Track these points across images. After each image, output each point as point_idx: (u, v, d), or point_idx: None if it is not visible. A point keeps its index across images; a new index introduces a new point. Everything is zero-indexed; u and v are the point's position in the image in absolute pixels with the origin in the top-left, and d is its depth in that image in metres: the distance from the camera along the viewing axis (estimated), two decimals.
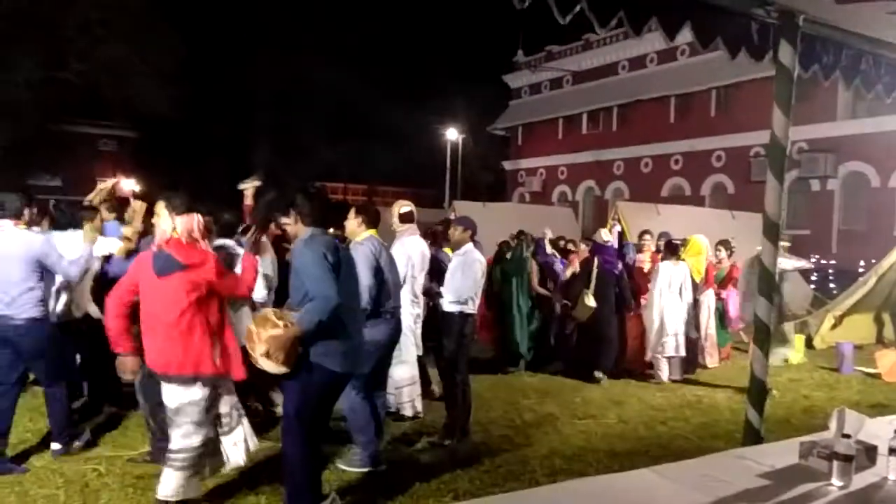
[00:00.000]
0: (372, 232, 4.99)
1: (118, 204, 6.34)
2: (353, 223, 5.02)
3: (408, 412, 5.88)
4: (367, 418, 4.66)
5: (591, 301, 7.69)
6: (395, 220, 5.93)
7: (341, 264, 3.70)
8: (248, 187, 6.48)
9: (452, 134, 32.28)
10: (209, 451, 3.86)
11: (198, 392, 3.70)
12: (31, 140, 24.05)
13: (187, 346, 3.65)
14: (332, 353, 3.63)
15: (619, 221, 11.53)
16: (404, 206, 5.99)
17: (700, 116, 23.90)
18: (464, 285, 5.48)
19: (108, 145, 37.06)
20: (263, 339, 3.45)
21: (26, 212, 4.75)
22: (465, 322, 5.54)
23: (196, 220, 3.80)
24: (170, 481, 3.69)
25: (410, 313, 5.80)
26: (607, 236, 8.25)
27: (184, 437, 3.72)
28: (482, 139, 33.60)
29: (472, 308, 5.63)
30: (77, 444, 4.92)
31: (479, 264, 5.70)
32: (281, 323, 3.48)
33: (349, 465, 4.66)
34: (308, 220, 3.74)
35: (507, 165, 32.37)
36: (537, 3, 3.06)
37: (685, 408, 6.84)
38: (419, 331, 6.06)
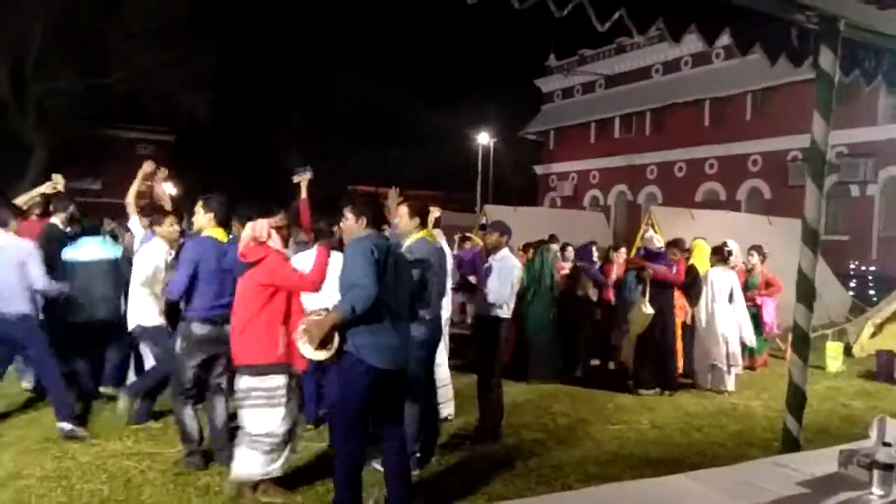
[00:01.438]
0: (424, 233, 4.84)
1: (154, 208, 6.44)
2: (407, 223, 4.80)
3: (442, 413, 5.92)
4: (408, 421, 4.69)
5: (648, 308, 7.48)
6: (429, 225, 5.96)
7: (390, 264, 3.78)
8: (303, 179, 6.16)
9: (484, 138, 32.31)
10: (287, 439, 4.15)
11: (271, 381, 4.02)
12: (74, 145, 24.69)
13: (259, 338, 4.00)
14: (374, 348, 3.70)
15: (652, 226, 11.45)
16: (435, 212, 6.02)
17: (736, 120, 23.55)
18: (501, 290, 5.52)
19: (146, 149, 37.83)
20: (304, 323, 3.71)
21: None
22: (500, 326, 5.58)
23: (258, 226, 4.10)
24: (252, 463, 4.01)
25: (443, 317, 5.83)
26: (660, 242, 8.16)
27: (263, 423, 4.02)
28: (514, 143, 33.57)
29: (507, 313, 5.66)
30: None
31: (516, 270, 5.75)
32: (324, 313, 3.71)
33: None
34: (365, 222, 3.87)
35: (539, 170, 32.26)
36: (574, 8, 3.09)
37: (721, 415, 6.77)
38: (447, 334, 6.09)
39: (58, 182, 6.51)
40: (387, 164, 35.76)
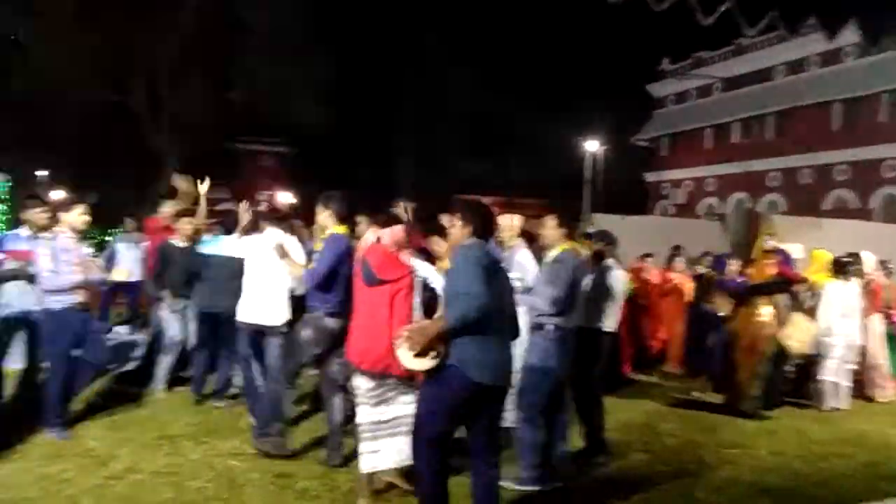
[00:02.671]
0: (570, 244, 4.73)
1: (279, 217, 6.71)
2: (553, 233, 4.73)
3: (507, 421, 5.77)
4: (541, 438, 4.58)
5: (808, 324, 7.04)
6: (512, 232, 5.83)
7: (498, 275, 3.69)
8: (409, 208, 6.28)
9: (592, 145, 31.66)
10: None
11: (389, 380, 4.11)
12: (203, 156, 26.42)
13: (381, 345, 4.04)
14: (473, 361, 3.53)
15: (774, 237, 10.74)
16: (518, 220, 5.89)
17: (869, 122, 21.84)
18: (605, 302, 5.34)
19: (268, 161, 39.99)
20: (407, 330, 3.64)
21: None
22: (604, 340, 5.38)
23: (396, 234, 4.19)
24: (381, 454, 4.13)
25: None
26: (799, 253, 7.69)
27: (380, 413, 4.15)
28: (623, 150, 32.66)
29: (611, 326, 5.45)
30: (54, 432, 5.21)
31: (619, 281, 5.53)
32: (427, 322, 3.67)
33: (515, 484, 4.56)
34: (471, 230, 3.75)
35: (650, 177, 31.26)
36: (681, 8, 2.90)
37: (849, 443, 6.19)
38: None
39: (198, 187, 7.05)
40: (494, 172, 35.81)
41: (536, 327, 4.68)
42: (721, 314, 7.95)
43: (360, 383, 4.22)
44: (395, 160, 35.21)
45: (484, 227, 3.79)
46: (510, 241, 5.68)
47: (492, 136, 36.64)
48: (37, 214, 5.63)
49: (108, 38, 21.87)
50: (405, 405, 4.17)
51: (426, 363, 3.57)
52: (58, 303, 5.16)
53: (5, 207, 17.27)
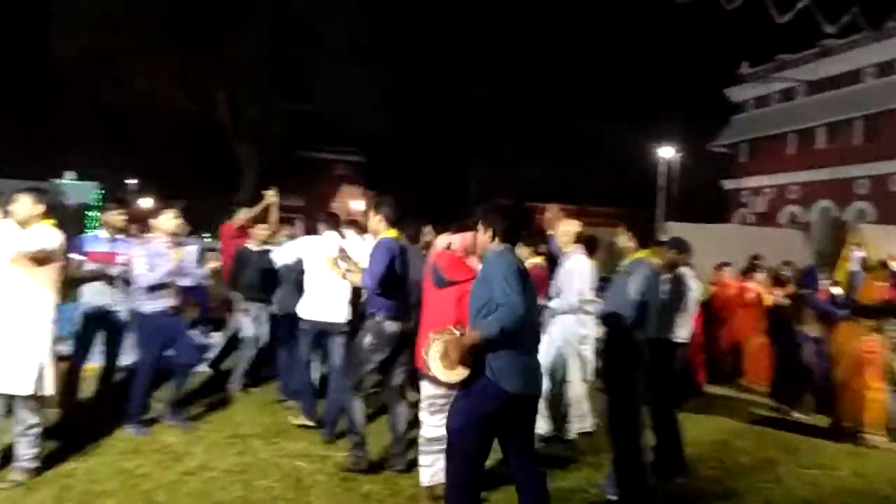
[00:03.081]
0: (644, 253, 4.60)
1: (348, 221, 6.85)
2: (626, 242, 4.63)
3: (570, 432, 5.66)
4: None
5: None
6: (567, 238, 5.74)
7: (526, 283, 3.61)
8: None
9: (667, 152, 30.85)
10: None
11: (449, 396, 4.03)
12: (280, 164, 27.28)
13: None
14: (508, 372, 3.48)
15: (862, 247, 10.20)
16: (576, 226, 5.82)
17: None
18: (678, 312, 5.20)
19: (341, 169, 40.85)
20: (440, 342, 3.56)
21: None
22: (675, 352, 5.22)
23: (468, 241, 4.19)
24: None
25: (577, 334, 5.59)
26: None
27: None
28: (699, 157, 31.70)
29: (684, 336, 5.30)
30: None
31: (693, 290, 5.39)
32: (457, 332, 3.58)
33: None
34: (492, 234, 3.68)
35: (728, 184, 30.17)
36: (757, 7, 2.79)
37: None
38: (590, 354, 5.77)
39: (270, 194, 7.27)
40: (565, 180, 35.40)
41: (609, 340, 4.58)
42: (815, 336, 7.48)
43: (426, 389, 4.25)
44: (466, 168, 35.31)
45: (510, 230, 3.68)
46: (566, 246, 5.68)
47: (563, 142, 36.28)
48: (114, 216, 5.90)
49: (192, 51, 22.90)
50: None
51: (458, 375, 3.52)
52: (151, 306, 5.38)
53: (96, 213, 18.32)
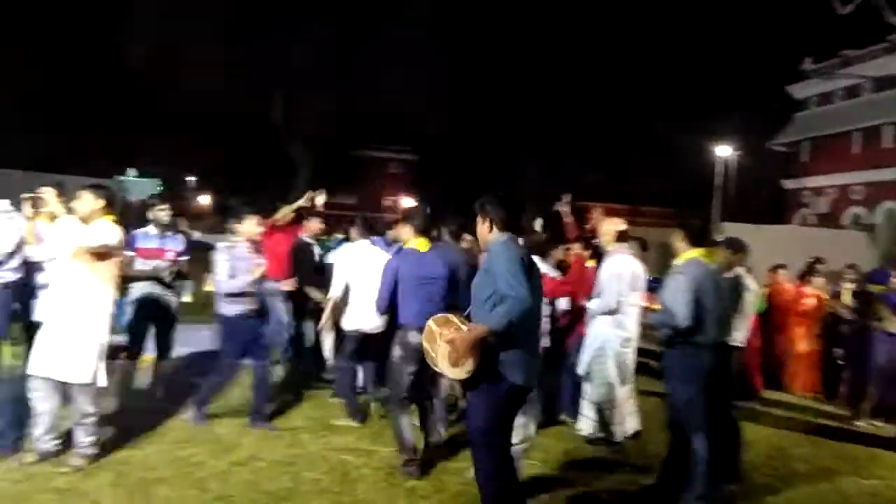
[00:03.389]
0: (698, 253, 4.48)
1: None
2: (680, 242, 4.55)
3: (616, 435, 5.57)
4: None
5: None
6: (609, 237, 5.64)
7: (531, 273, 3.58)
8: (563, 204, 7.10)
9: (724, 150, 30.06)
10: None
11: None
12: (334, 163, 27.71)
13: None
14: (517, 364, 3.49)
15: None
16: (621, 225, 5.71)
17: None
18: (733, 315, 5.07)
19: (394, 167, 41.24)
20: (447, 338, 3.50)
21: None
22: (730, 355, 5.09)
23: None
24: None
25: (616, 336, 5.48)
26: None
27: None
28: (758, 156, 30.76)
29: (740, 340, 5.16)
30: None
31: (749, 293, 5.25)
32: (464, 327, 3.50)
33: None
34: (490, 224, 3.68)
35: (789, 184, 29.20)
36: (821, 2, 2.69)
37: None
38: (630, 357, 5.60)
39: (316, 196, 7.22)
40: (620, 180, 34.91)
41: (669, 344, 4.44)
42: (890, 331, 7.11)
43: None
44: (521, 168, 35.12)
45: (508, 219, 3.66)
46: (608, 245, 5.61)
47: (618, 140, 35.75)
48: (161, 212, 6.08)
49: (251, 52, 23.43)
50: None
51: (464, 371, 3.49)
52: (232, 309, 5.50)
53: None
